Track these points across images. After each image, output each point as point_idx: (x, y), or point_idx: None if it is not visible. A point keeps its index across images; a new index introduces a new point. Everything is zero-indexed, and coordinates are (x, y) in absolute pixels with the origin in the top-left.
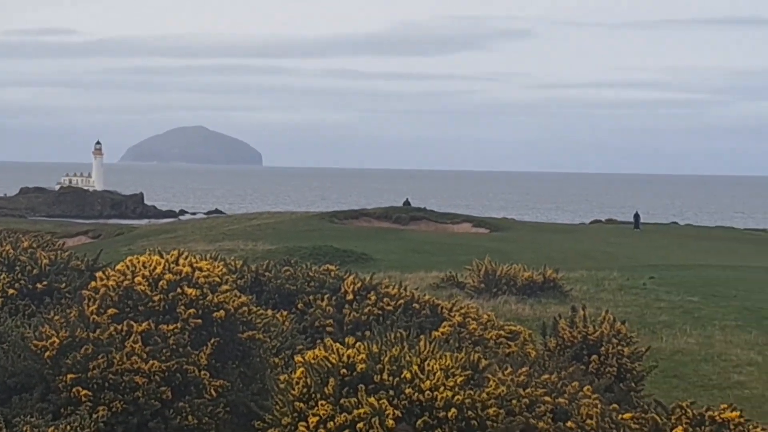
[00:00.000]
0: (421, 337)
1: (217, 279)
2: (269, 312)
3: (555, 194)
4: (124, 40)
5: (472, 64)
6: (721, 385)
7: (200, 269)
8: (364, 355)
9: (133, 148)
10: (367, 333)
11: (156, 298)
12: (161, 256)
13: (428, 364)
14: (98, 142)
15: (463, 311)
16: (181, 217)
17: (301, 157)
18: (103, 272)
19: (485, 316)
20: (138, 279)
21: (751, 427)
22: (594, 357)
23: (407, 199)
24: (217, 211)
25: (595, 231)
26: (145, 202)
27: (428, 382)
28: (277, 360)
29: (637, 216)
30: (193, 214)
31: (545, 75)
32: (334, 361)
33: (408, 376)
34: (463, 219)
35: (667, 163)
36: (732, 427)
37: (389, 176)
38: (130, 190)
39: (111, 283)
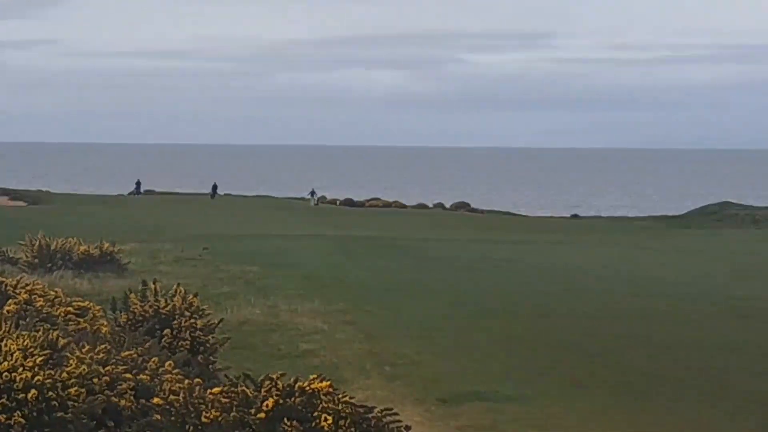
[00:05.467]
0: None
1: None
2: None
3: (95, 164)
4: None
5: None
6: (292, 355)
7: None
8: None
9: None
10: None
11: None
12: None
13: (5, 345)
14: None
15: (29, 288)
16: None
17: None
18: None
19: (53, 293)
20: None
21: (341, 395)
22: (167, 331)
23: None
24: None
25: (144, 202)
26: None
27: (6, 363)
28: None
29: (215, 186)
30: None
31: (77, 44)
32: None
33: None
34: (1, 192)
35: (200, 132)
36: (323, 396)
37: None
38: None
39: None
